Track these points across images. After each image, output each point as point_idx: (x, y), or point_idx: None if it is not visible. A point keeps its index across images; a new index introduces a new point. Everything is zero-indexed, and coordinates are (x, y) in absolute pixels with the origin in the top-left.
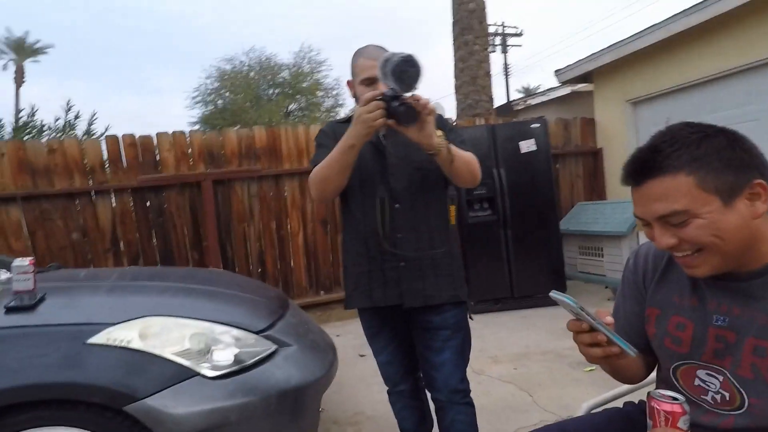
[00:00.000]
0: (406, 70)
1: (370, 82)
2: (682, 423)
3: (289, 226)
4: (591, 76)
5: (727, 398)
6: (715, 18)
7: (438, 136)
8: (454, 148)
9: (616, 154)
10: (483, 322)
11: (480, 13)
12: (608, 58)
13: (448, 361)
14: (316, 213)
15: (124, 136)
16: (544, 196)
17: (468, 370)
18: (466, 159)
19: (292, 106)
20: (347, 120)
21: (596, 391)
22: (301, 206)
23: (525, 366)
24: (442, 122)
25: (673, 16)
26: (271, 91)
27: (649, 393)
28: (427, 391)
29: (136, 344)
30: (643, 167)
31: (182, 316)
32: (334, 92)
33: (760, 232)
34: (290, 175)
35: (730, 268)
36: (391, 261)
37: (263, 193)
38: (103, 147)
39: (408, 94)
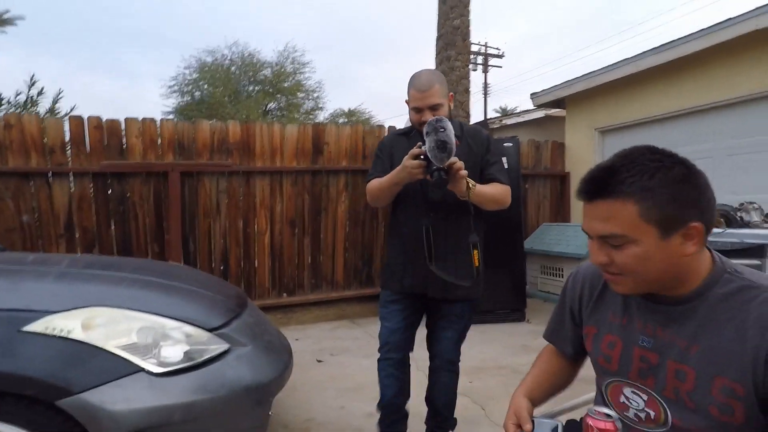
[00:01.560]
0: (439, 154)
1: (418, 110)
2: None
3: (256, 225)
4: (564, 102)
5: (652, 417)
6: (680, 59)
7: (469, 187)
8: (480, 192)
9: None
10: None
11: (464, 30)
12: (580, 86)
13: (449, 338)
14: (285, 213)
15: (90, 117)
16: (511, 214)
17: (424, 381)
18: (493, 197)
19: (272, 105)
20: (405, 132)
21: (546, 406)
22: (270, 205)
23: (480, 380)
24: (484, 143)
25: (643, 52)
26: (251, 88)
27: (587, 411)
28: (413, 363)
29: (78, 335)
30: (597, 186)
31: (132, 309)
32: (315, 95)
33: (689, 267)
34: (262, 173)
35: (650, 290)
36: (424, 264)
37: (232, 189)
38: (67, 127)
39: (446, 164)
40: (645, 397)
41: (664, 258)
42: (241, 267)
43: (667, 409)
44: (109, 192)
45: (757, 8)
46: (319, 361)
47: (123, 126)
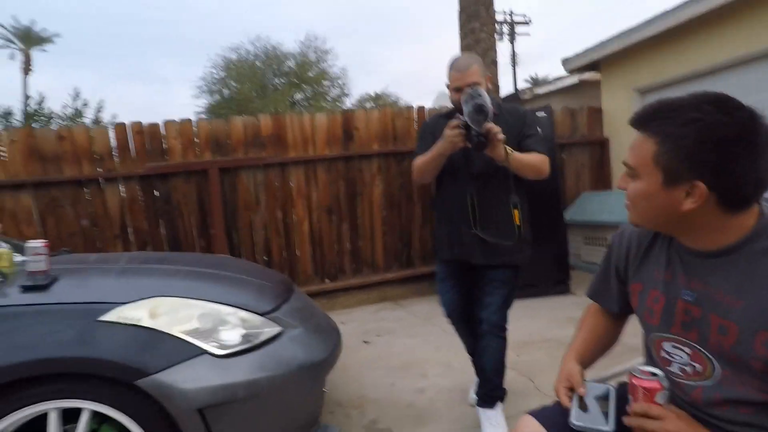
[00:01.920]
0: (477, 117)
1: (458, 90)
2: (660, 398)
3: (294, 215)
4: (598, 65)
5: (698, 370)
6: (723, 6)
7: (507, 152)
8: (518, 158)
9: (623, 144)
10: None
11: (487, 0)
12: (616, 46)
13: (493, 302)
14: (321, 200)
15: (132, 123)
16: (548, 185)
17: (468, 358)
18: (530, 163)
19: (298, 96)
20: (446, 115)
21: (594, 374)
22: (307, 194)
23: (527, 353)
24: (521, 118)
25: (682, 3)
26: (276, 81)
27: (630, 370)
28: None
29: (146, 322)
30: (639, 117)
31: (190, 297)
32: (340, 81)
33: (704, 221)
34: (296, 164)
35: (659, 230)
36: (470, 233)
37: (269, 181)
38: (111, 135)
39: (484, 128)
40: (689, 351)
41: (661, 204)
42: (283, 256)
43: (714, 362)
44: (156, 192)
45: None
46: (366, 342)
47: (162, 129)
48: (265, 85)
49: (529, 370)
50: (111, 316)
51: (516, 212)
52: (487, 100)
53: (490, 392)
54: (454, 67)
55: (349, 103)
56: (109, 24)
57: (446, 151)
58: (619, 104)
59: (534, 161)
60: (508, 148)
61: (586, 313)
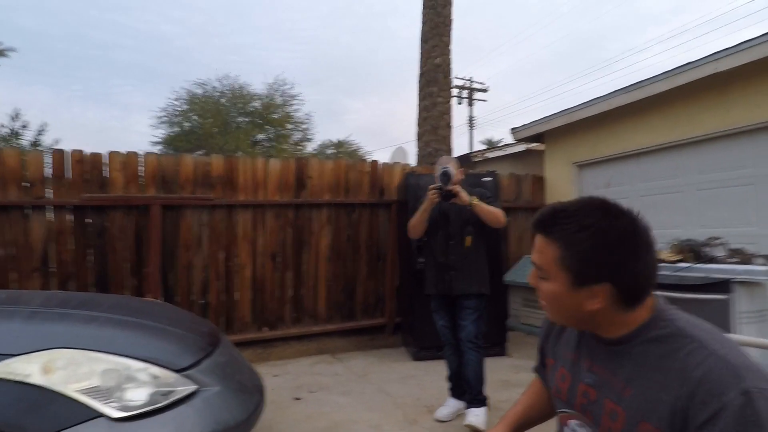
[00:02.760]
0: (443, 179)
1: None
2: None
3: (237, 258)
4: (543, 137)
5: None
6: (648, 98)
7: (471, 199)
8: (481, 205)
9: None
10: (425, 369)
11: (445, 67)
12: (558, 122)
13: (469, 324)
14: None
15: (72, 151)
16: (491, 247)
17: (401, 419)
18: (490, 210)
19: (261, 136)
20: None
21: None
22: (252, 239)
23: (460, 417)
24: (484, 192)
25: (614, 91)
26: (240, 119)
27: None
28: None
29: (36, 379)
30: (540, 222)
31: (97, 350)
32: (304, 126)
33: (606, 317)
34: (244, 207)
35: (573, 326)
36: (447, 270)
37: (214, 222)
38: (48, 160)
39: (449, 186)
40: (588, 430)
41: (571, 304)
42: (221, 300)
43: None
44: (88, 224)
45: (715, 53)
46: (297, 399)
47: (106, 159)
48: (228, 122)
49: None
50: None
51: (468, 238)
52: (451, 170)
53: (476, 396)
54: (440, 161)
55: (311, 147)
56: (74, 45)
57: (428, 206)
58: (560, 175)
59: (492, 210)
60: (474, 198)
61: (531, 383)
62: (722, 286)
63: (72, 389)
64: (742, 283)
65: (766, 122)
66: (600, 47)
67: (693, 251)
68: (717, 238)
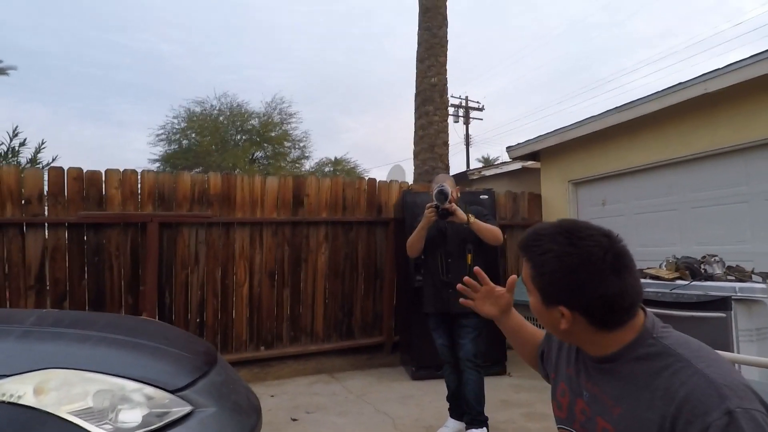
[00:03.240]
0: (440, 196)
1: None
2: None
3: (235, 276)
4: (539, 155)
5: None
6: (639, 118)
7: (467, 216)
8: (478, 223)
9: None
10: (424, 389)
11: (441, 87)
12: (553, 140)
13: (468, 343)
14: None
15: (69, 169)
16: (490, 265)
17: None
18: (488, 228)
19: (258, 154)
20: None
21: None
22: (250, 257)
23: None
24: (481, 210)
25: (607, 111)
26: (238, 137)
27: None
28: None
29: (28, 400)
30: (520, 242)
31: (91, 370)
32: (302, 144)
33: (584, 337)
34: (242, 225)
35: (563, 340)
36: (446, 288)
37: (212, 240)
38: (46, 178)
39: (446, 205)
40: None
41: (548, 321)
42: (218, 319)
43: None
44: (85, 241)
45: (704, 74)
46: (294, 420)
47: (103, 177)
48: (226, 140)
49: None
50: None
51: (469, 255)
52: (447, 188)
53: (476, 417)
54: (436, 179)
55: (308, 165)
56: (73, 64)
57: (425, 224)
58: (556, 193)
59: (490, 227)
60: (471, 216)
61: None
62: (721, 303)
63: (65, 411)
64: (741, 300)
65: (755, 141)
66: (591, 69)
67: (689, 269)
68: (713, 256)
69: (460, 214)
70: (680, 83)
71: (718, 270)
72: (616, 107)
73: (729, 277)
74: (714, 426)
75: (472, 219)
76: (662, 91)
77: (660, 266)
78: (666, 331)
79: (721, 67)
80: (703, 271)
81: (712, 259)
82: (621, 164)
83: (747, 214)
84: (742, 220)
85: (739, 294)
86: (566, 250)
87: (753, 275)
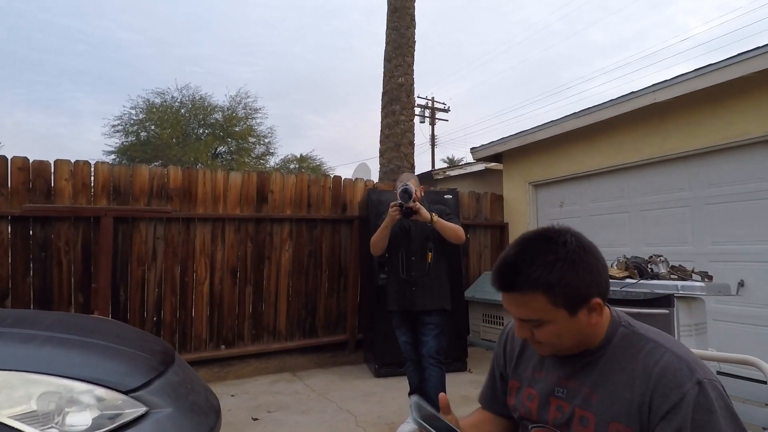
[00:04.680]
0: (404, 195)
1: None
2: None
3: (195, 273)
4: (501, 157)
5: None
6: (596, 124)
7: (431, 215)
8: (441, 222)
9: (520, 229)
10: (386, 386)
11: (408, 87)
12: (514, 143)
13: (430, 340)
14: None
15: (14, 158)
16: (452, 263)
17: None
18: (450, 227)
19: (222, 149)
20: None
21: None
22: (211, 253)
23: None
24: (445, 209)
25: (566, 116)
26: (201, 131)
27: None
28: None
29: None
30: (507, 282)
31: (34, 371)
32: (267, 140)
33: (595, 330)
34: (203, 220)
35: (568, 353)
36: (409, 286)
37: (170, 235)
38: None
39: (410, 203)
40: None
41: (575, 331)
42: (177, 317)
43: None
44: (30, 237)
45: (654, 84)
46: (255, 419)
47: (52, 168)
48: (187, 134)
49: None
50: None
51: (429, 254)
52: (411, 187)
53: None
54: (400, 178)
55: (273, 162)
56: (18, 47)
57: (389, 222)
58: (517, 194)
59: (452, 226)
60: (434, 215)
61: (475, 414)
62: (665, 300)
63: (5, 415)
64: (682, 298)
65: (698, 150)
66: (551, 75)
67: (638, 268)
68: (659, 256)
69: (424, 213)
70: (632, 92)
71: (663, 269)
72: (574, 113)
73: (672, 276)
74: (688, 395)
75: (435, 218)
76: (617, 99)
77: (611, 266)
78: (631, 319)
79: (668, 78)
80: (650, 270)
81: (658, 259)
82: (579, 168)
83: (689, 218)
84: (684, 223)
85: (681, 292)
86: (565, 251)
87: (693, 274)
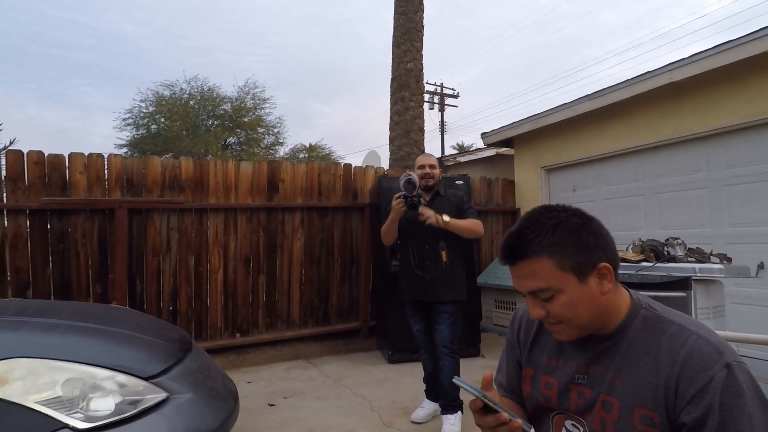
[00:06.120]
0: (407, 186)
1: (421, 167)
2: None
3: (208, 263)
4: (512, 142)
5: None
6: (609, 105)
7: (442, 218)
8: (455, 222)
9: None
10: (400, 372)
11: (417, 73)
12: (526, 127)
13: (444, 329)
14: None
15: (30, 152)
16: (463, 249)
17: (377, 422)
18: (465, 226)
19: (231, 140)
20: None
21: None
22: (224, 243)
23: (436, 419)
24: (460, 198)
25: (578, 98)
26: (210, 122)
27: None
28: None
29: None
30: (513, 251)
31: (59, 359)
32: (276, 130)
33: (610, 303)
34: (215, 210)
35: (587, 333)
36: (422, 278)
37: (184, 226)
38: (3, 162)
39: (414, 193)
40: (582, 429)
41: (588, 299)
42: (192, 307)
43: None
44: (48, 229)
45: (669, 63)
46: (271, 405)
47: (67, 161)
48: (197, 125)
49: None
50: None
51: (443, 253)
52: (414, 177)
53: (450, 402)
54: (421, 156)
55: (282, 152)
56: (29, 43)
57: (395, 215)
58: (529, 179)
59: (468, 224)
60: (446, 217)
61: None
62: (682, 283)
63: (32, 400)
64: (700, 280)
65: (716, 129)
66: (561, 58)
67: (654, 251)
68: (676, 239)
69: (434, 219)
70: (648, 72)
71: (680, 252)
72: (587, 95)
73: (690, 259)
74: (717, 377)
75: (447, 219)
76: (631, 79)
77: (627, 249)
78: (653, 302)
79: (685, 57)
80: (666, 253)
81: (675, 242)
82: (592, 151)
83: (707, 200)
84: (702, 205)
85: (698, 274)
86: (567, 216)
87: (711, 257)
